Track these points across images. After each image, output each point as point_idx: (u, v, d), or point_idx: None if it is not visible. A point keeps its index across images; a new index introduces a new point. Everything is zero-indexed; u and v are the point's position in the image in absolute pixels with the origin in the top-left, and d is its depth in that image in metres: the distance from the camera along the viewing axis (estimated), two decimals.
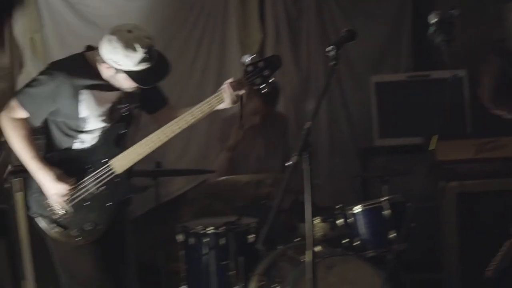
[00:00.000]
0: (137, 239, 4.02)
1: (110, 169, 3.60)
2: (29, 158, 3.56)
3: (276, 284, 3.92)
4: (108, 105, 3.60)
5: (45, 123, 3.65)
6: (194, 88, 5.65)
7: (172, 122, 3.58)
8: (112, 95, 3.62)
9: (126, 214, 3.82)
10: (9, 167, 4.20)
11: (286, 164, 2.91)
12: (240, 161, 5.03)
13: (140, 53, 3.40)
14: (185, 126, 3.58)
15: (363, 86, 5.92)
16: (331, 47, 3.04)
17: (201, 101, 3.61)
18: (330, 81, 3.16)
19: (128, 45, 3.39)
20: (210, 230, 4.23)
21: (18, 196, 4.13)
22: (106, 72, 3.53)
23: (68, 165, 3.60)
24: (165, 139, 3.58)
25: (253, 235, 4.24)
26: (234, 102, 3.57)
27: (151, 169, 3.92)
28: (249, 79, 3.51)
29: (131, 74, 3.46)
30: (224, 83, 3.57)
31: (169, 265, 4.50)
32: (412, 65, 6.16)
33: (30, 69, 4.89)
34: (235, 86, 3.54)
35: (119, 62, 3.43)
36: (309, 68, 6.05)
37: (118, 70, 3.47)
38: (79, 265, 3.68)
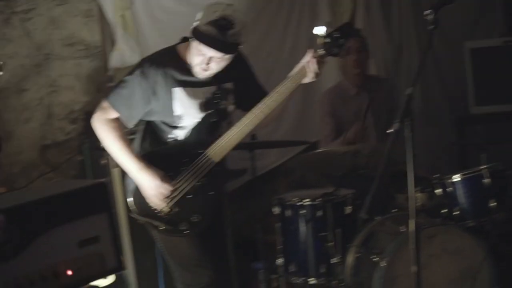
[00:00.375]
0: (234, 212, 4.02)
1: (208, 159, 3.59)
2: (126, 160, 3.54)
3: (375, 255, 3.86)
4: (201, 101, 3.61)
5: (139, 123, 3.68)
6: (285, 58, 5.59)
7: (261, 103, 3.55)
8: (205, 91, 3.62)
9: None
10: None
11: (388, 131, 2.86)
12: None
13: (212, 14, 3.39)
14: (274, 104, 3.56)
15: (457, 53, 5.77)
16: (429, 10, 2.98)
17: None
18: (431, 44, 3.10)
19: (209, 15, 3.40)
20: (307, 202, 4.21)
21: (115, 172, 4.18)
22: (194, 58, 3.52)
23: (164, 161, 3.60)
24: (257, 121, 3.56)
25: (350, 207, 4.19)
26: (317, 76, 3.56)
27: (246, 142, 3.89)
28: (328, 50, 3.52)
29: (196, 32, 3.44)
30: (305, 57, 3.55)
31: (266, 238, 4.49)
32: (506, 30, 5.97)
33: (122, 46, 4.92)
34: (318, 60, 3.52)
35: (193, 25, 3.44)
36: (401, 36, 5.93)
37: (191, 40, 3.47)
38: (181, 249, 3.73)
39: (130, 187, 3.61)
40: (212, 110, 3.64)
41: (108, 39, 5.09)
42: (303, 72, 3.54)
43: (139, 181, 3.53)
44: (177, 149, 3.63)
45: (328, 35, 3.51)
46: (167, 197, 3.54)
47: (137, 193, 3.59)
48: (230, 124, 3.64)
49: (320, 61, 3.53)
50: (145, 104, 3.54)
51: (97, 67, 5.08)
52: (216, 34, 3.39)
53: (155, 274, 4.41)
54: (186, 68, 3.55)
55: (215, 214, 3.66)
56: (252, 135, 3.95)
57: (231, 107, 3.71)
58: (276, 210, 4.31)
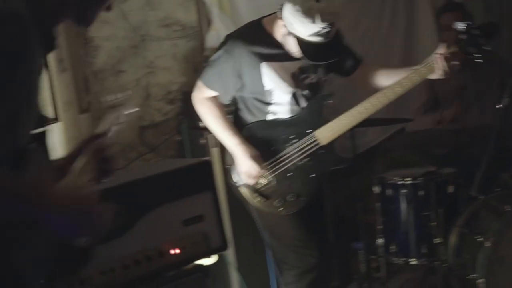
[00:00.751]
0: (333, 191, 3.97)
1: (315, 140, 3.54)
2: (226, 136, 3.55)
3: (479, 236, 3.75)
4: (290, 75, 3.54)
5: (234, 100, 3.65)
6: (381, 41, 5.47)
7: (380, 93, 3.45)
8: (293, 65, 3.54)
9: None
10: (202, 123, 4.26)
11: (497, 107, 2.75)
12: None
13: (317, 26, 3.28)
14: (393, 97, 3.45)
15: None
16: None
17: (388, 55, 3.47)
18: None
19: (309, 14, 3.28)
20: (408, 181, 4.12)
21: (214, 151, 4.18)
22: (279, 30, 3.46)
23: (269, 135, 3.58)
24: (373, 110, 3.48)
25: (453, 186, 4.08)
26: (446, 74, 3.37)
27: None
28: (462, 48, 3.30)
29: (301, 42, 3.36)
30: (435, 52, 3.37)
31: (366, 217, 4.43)
32: None
33: (218, 26, 4.90)
34: (449, 58, 3.34)
35: (293, 26, 3.34)
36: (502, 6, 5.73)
37: (290, 33, 3.38)
38: (282, 229, 3.70)
39: (231, 157, 3.62)
40: (311, 85, 3.58)
41: (204, 19, 5.08)
42: (430, 68, 3.38)
43: (236, 155, 3.53)
44: (285, 125, 3.57)
45: (465, 31, 3.26)
46: (253, 177, 3.51)
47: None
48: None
49: (451, 58, 3.33)
50: (236, 80, 3.52)
51: (194, 48, 5.08)
52: (320, 49, 3.34)
53: (254, 254, 4.40)
54: (272, 42, 3.50)
55: (312, 196, 3.62)
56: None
57: (323, 79, 3.65)
58: (376, 189, 4.24)
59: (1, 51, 1.55)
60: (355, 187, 4.85)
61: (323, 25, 3.28)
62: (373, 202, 4.29)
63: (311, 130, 3.54)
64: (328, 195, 3.79)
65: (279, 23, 3.43)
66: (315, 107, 3.56)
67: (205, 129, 4.04)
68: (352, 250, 4.51)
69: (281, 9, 3.40)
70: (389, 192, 4.19)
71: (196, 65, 5.02)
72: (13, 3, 1.61)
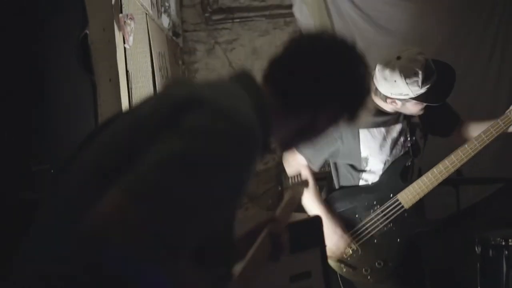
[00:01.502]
0: (433, 244, 3.91)
1: (398, 204, 3.49)
2: (314, 202, 3.52)
3: None
4: (389, 142, 3.51)
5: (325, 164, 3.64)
6: (489, 91, 5.39)
7: (460, 150, 3.43)
8: (393, 130, 3.52)
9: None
10: None
11: None
12: None
13: (420, 75, 3.27)
14: (473, 153, 3.42)
15: None
16: None
17: (494, 107, 3.42)
18: None
19: (406, 73, 3.27)
20: None
21: None
22: (391, 107, 3.45)
23: (354, 204, 3.55)
24: (453, 169, 3.45)
25: None
26: None
27: (452, 178, 3.78)
28: None
29: (419, 98, 3.34)
30: None
31: (465, 276, 4.33)
32: None
33: None
34: None
35: (404, 93, 3.32)
36: None
37: (405, 100, 3.37)
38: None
39: None
40: (406, 154, 3.54)
41: None
42: (509, 121, 3.37)
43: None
44: (366, 192, 3.54)
45: None
46: (342, 250, 3.48)
47: None
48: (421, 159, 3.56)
49: None
50: (331, 146, 3.49)
51: None
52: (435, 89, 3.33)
53: None
54: (373, 110, 3.45)
55: (400, 262, 3.54)
56: (457, 170, 3.82)
57: (422, 141, 3.62)
58: (478, 249, 4.14)
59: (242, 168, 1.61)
60: (457, 243, 4.76)
61: (423, 68, 3.28)
62: (474, 263, 4.20)
63: (393, 195, 3.50)
64: (423, 259, 3.72)
65: (387, 102, 3.41)
66: (395, 171, 3.51)
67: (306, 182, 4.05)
68: None
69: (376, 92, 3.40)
70: (490, 252, 4.09)
71: None
72: (252, 121, 1.66)
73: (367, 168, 3.52)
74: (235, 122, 1.59)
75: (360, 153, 3.48)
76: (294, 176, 2.43)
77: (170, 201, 1.46)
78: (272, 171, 5.02)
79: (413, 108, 3.41)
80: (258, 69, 4.91)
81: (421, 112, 3.45)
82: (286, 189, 2.35)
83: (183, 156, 1.50)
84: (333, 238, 3.45)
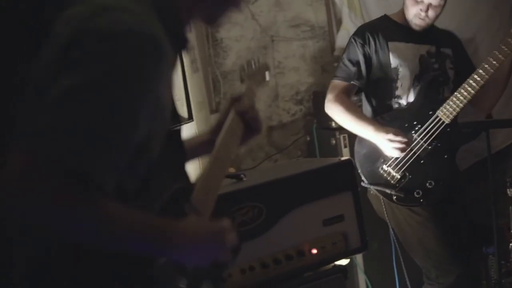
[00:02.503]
0: (462, 193, 3.89)
1: (439, 120, 3.51)
2: (362, 125, 3.56)
3: None
4: (418, 57, 3.60)
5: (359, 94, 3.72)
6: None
7: (494, 52, 3.43)
8: (422, 48, 3.62)
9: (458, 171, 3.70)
10: (333, 124, 4.25)
11: None
12: None
13: None
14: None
15: None
16: None
17: None
18: None
19: None
20: None
21: (345, 152, 4.17)
22: (411, 9, 3.56)
23: (392, 127, 3.55)
24: (483, 81, 3.44)
25: None
26: None
27: (480, 121, 3.75)
28: None
29: None
30: None
31: (497, 222, 4.30)
32: None
33: (349, 26, 4.87)
34: None
35: None
36: None
37: None
38: (422, 242, 3.64)
39: (359, 159, 3.61)
40: (436, 70, 3.62)
41: (333, 19, 5.06)
42: None
43: (378, 141, 3.52)
44: (405, 114, 3.58)
45: None
46: (407, 145, 3.48)
47: (367, 162, 3.58)
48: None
49: None
50: (366, 62, 3.60)
51: (322, 48, 5.07)
52: None
53: (381, 260, 4.36)
54: (400, 26, 3.65)
55: (450, 182, 3.58)
56: (487, 115, 3.80)
57: (451, 72, 3.68)
58: (509, 192, 4.11)
59: (140, 75, 1.55)
60: (487, 190, 4.72)
61: None
62: (506, 206, 4.17)
63: (432, 112, 3.52)
64: (462, 194, 3.71)
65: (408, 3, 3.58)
66: (430, 88, 3.57)
67: (337, 129, 4.04)
68: (482, 255, 4.40)
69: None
70: None
71: (325, 65, 5.02)
72: (144, 21, 1.61)
73: (398, 83, 3.59)
74: (122, 33, 1.52)
75: (390, 64, 3.58)
76: (250, 64, 2.41)
77: (79, 137, 1.45)
78: (299, 122, 5.00)
79: (410, 3, 3.57)
80: (282, 21, 4.90)
81: (422, 14, 3.55)
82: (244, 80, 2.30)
83: (79, 92, 1.47)
84: (392, 144, 3.48)
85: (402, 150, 3.48)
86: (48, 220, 1.47)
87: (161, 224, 1.67)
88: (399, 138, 3.47)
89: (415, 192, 3.52)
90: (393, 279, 3.99)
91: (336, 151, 4.24)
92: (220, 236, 1.74)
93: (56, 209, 1.45)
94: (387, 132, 3.48)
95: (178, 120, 1.83)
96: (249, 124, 2.09)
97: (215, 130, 2.09)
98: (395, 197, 3.53)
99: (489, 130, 3.75)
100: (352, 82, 3.61)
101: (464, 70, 3.65)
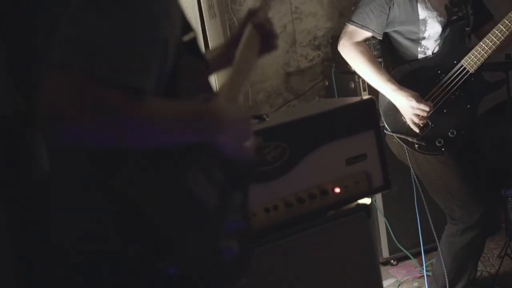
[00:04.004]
0: (480, 138, 3.89)
1: (463, 70, 3.49)
2: (382, 81, 3.51)
3: None
4: (444, 6, 3.54)
5: (384, 39, 3.64)
6: None
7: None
8: None
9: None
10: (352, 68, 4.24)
11: None
12: None
13: None
14: None
15: None
16: None
17: None
18: None
19: None
20: None
21: (364, 95, 4.13)
22: None
23: (417, 77, 3.55)
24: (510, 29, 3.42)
25: None
26: None
27: (501, 61, 3.73)
28: None
29: None
30: None
31: None
32: None
33: None
34: None
35: None
36: None
37: None
38: (444, 181, 3.64)
39: (382, 107, 3.60)
40: (461, 18, 3.57)
41: None
42: None
43: (395, 101, 3.50)
44: (429, 63, 3.55)
45: None
46: (422, 117, 3.47)
47: (389, 111, 3.57)
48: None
49: None
50: (388, 12, 3.52)
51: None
52: None
53: (401, 203, 4.38)
54: None
55: (472, 131, 3.58)
56: (506, 54, 3.77)
57: (472, 18, 3.65)
58: None
59: None
60: (505, 133, 4.71)
61: None
62: None
63: (456, 61, 3.50)
64: (482, 139, 3.71)
65: None
66: (455, 37, 3.53)
67: (356, 73, 4.02)
68: (501, 198, 4.41)
69: None
70: None
71: (342, 10, 4.99)
72: None
73: (426, 33, 3.54)
74: None
75: (418, 15, 3.51)
76: None
77: (105, 49, 1.43)
78: (317, 68, 5.00)
79: None
80: None
81: None
82: None
83: (95, 2, 1.45)
84: (411, 110, 3.46)
85: (421, 118, 3.47)
86: (103, 133, 1.44)
87: (206, 110, 1.69)
88: (421, 106, 3.45)
89: (436, 141, 3.52)
90: (413, 222, 4.01)
91: (355, 95, 4.24)
92: (247, 120, 1.82)
93: (110, 118, 1.42)
94: (408, 97, 3.46)
95: (190, 28, 1.82)
96: (266, 38, 2.09)
97: (230, 43, 2.11)
98: (417, 146, 3.53)
99: (509, 71, 3.75)
100: (369, 30, 3.55)
101: (482, 16, 3.65)
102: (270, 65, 4.91)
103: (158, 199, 1.60)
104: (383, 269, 4.31)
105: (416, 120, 3.48)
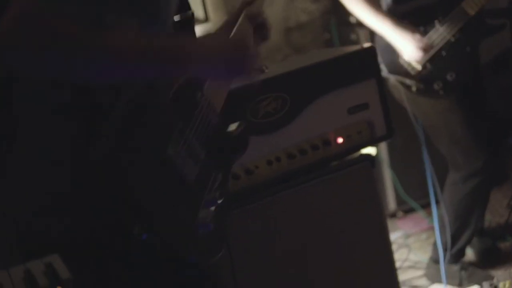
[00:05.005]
0: (485, 86, 3.85)
1: (464, 12, 3.43)
2: (380, 19, 3.46)
3: None
4: None
5: None
6: None
7: None
8: None
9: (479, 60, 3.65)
10: (353, 19, 4.19)
11: None
12: None
13: None
14: None
15: None
16: None
17: None
18: None
19: None
20: None
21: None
22: None
23: (416, 17, 3.50)
24: None
25: None
26: None
27: (504, 7, 3.68)
28: None
29: None
30: None
31: None
32: None
33: None
34: None
35: None
36: None
37: None
38: (447, 127, 3.62)
39: (380, 48, 3.51)
40: None
41: None
42: None
43: (394, 39, 3.45)
44: (429, 3, 3.49)
45: None
46: (424, 50, 3.42)
47: (387, 53, 3.52)
48: None
49: None
50: None
51: None
52: None
53: (407, 153, 4.36)
54: None
55: (470, 75, 3.54)
56: (510, 0, 3.71)
57: None
58: None
59: None
60: (510, 82, 4.67)
61: None
62: None
63: (457, 3, 3.44)
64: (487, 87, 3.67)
65: None
66: None
67: (356, 24, 3.97)
68: (507, 146, 4.38)
69: None
70: None
71: None
72: None
73: None
74: None
75: None
76: None
77: None
78: (317, 21, 4.93)
79: None
80: None
81: None
82: None
83: None
84: (412, 44, 3.42)
85: (421, 57, 3.43)
86: (62, 61, 1.46)
87: (176, 40, 1.67)
88: (420, 43, 3.41)
89: (435, 84, 3.48)
90: (419, 173, 3.98)
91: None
92: (241, 44, 1.77)
93: (66, 46, 1.44)
94: (408, 34, 3.42)
95: (188, 8, 1.80)
96: (258, 29, 2.08)
97: (222, 30, 2.09)
98: (414, 88, 3.49)
99: None
100: None
101: None
102: (269, 21, 4.84)
103: (137, 168, 1.58)
104: (390, 222, 4.29)
105: (418, 55, 3.42)
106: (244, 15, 2.04)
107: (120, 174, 1.53)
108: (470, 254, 3.93)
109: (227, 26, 2.07)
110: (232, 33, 1.96)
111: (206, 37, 1.81)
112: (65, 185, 1.57)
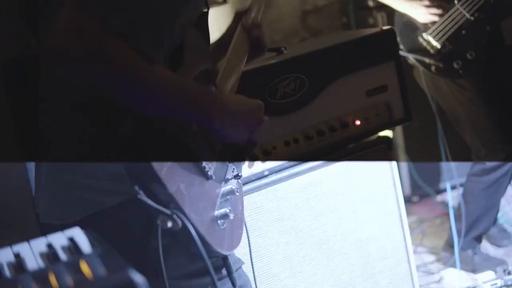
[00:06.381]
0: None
1: None
2: None
3: None
4: None
5: None
6: None
7: None
8: None
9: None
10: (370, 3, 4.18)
11: None
12: None
13: None
14: None
15: None
16: None
17: None
18: None
19: None
20: None
21: None
22: None
23: None
24: None
25: None
26: None
27: None
28: None
29: None
30: None
31: None
32: None
33: None
34: None
35: None
36: None
37: None
38: (467, 114, 3.59)
39: (398, 27, 3.53)
40: None
41: None
42: None
43: (410, 7, 3.45)
44: None
45: None
46: (435, 7, 3.41)
47: (406, 31, 3.52)
48: None
49: None
50: None
51: None
52: None
53: (423, 138, 4.34)
54: None
55: (490, 53, 3.49)
56: None
57: None
58: None
59: None
60: None
61: None
62: None
63: None
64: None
65: None
66: None
67: (374, 8, 3.95)
68: None
69: None
70: None
71: None
72: None
73: None
74: None
75: None
76: None
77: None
78: (335, 5, 4.91)
79: None
80: None
81: None
82: None
83: None
84: (424, 6, 3.44)
85: (438, 14, 3.42)
86: (101, 78, 1.46)
87: (209, 91, 1.72)
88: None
89: (454, 63, 3.45)
90: (435, 158, 3.97)
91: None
92: (259, 113, 1.78)
93: (112, 67, 1.45)
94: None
95: (205, 4, 1.83)
96: (256, 42, 2.04)
97: (219, 44, 2.06)
98: (434, 67, 3.47)
99: None
100: None
101: None
102: (286, 4, 4.83)
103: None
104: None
105: (430, 14, 3.42)
106: (239, 30, 2.02)
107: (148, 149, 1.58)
108: (484, 241, 3.92)
109: (222, 43, 2.05)
110: (227, 54, 1.95)
111: (232, 95, 1.85)
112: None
